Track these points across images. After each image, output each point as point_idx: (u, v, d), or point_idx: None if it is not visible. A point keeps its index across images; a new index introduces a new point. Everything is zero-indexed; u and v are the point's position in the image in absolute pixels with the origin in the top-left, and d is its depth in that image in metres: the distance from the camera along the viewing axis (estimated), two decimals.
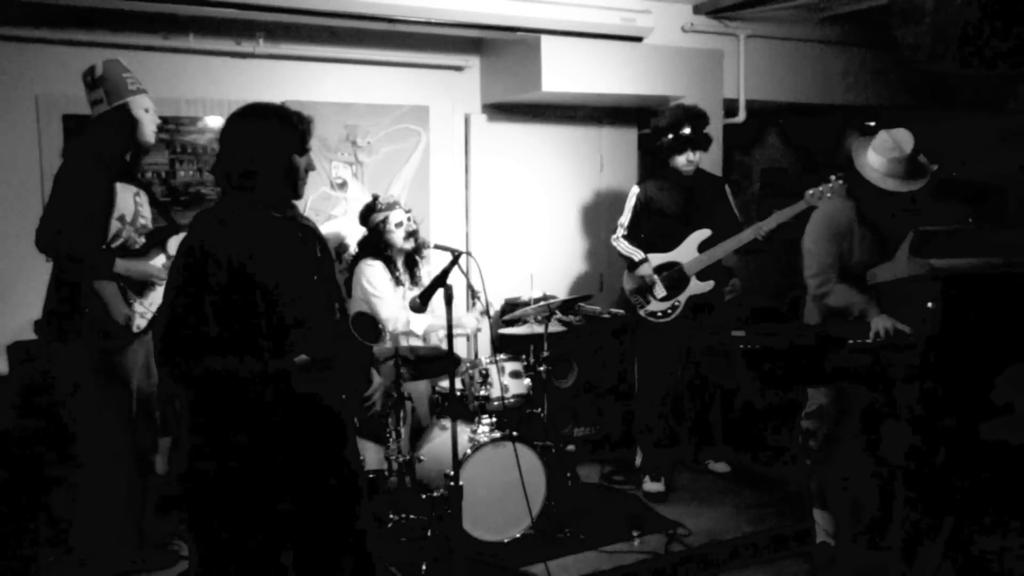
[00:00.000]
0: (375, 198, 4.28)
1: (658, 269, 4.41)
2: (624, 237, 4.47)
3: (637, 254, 4.42)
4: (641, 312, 4.45)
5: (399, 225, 4.15)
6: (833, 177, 3.80)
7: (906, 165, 3.31)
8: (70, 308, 3.32)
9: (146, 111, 3.40)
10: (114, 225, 3.33)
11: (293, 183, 2.38)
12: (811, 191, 3.89)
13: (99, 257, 3.28)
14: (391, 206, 4.18)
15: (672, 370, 4.47)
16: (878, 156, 3.36)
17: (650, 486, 4.44)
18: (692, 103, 4.57)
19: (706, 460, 4.83)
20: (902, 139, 3.34)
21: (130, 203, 3.39)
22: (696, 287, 4.36)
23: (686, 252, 4.37)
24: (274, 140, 2.33)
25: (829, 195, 3.77)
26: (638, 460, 4.67)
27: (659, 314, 4.40)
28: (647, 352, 4.53)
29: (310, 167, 2.42)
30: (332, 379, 2.36)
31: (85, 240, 3.25)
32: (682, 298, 4.37)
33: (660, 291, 4.38)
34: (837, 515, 3.60)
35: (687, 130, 4.30)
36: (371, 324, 2.45)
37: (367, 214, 4.24)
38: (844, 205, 3.53)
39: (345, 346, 2.50)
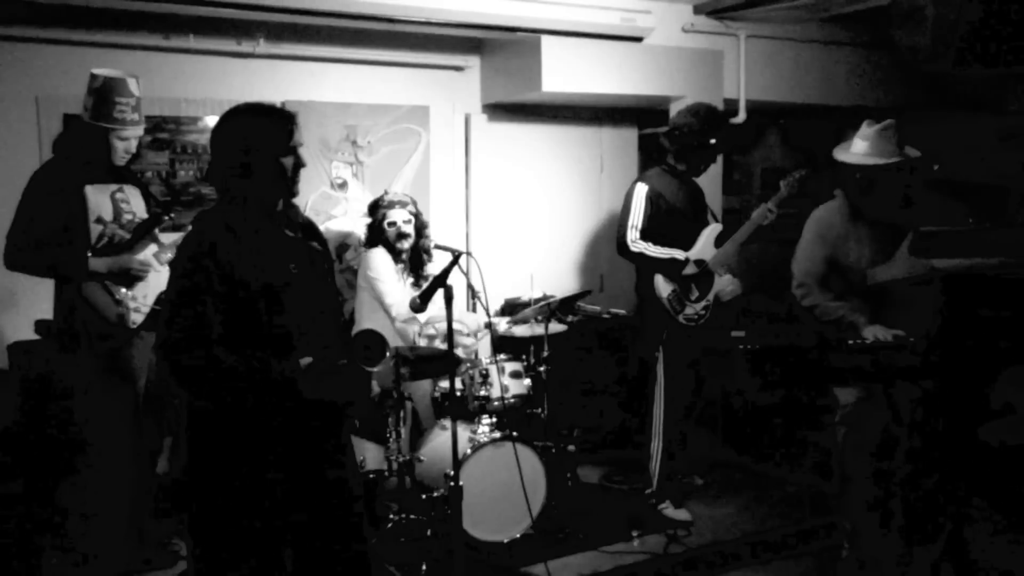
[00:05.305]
0: (385, 193, 4.33)
1: None
2: (641, 239, 4.08)
3: (678, 253, 4.08)
4: (680, 319, 4.11)
5: (392, 224, 4.20)
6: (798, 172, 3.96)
7: (894, 136, 3.41)
8: (69, 319, 3.33)
9: (122, 140, 3.36)
10: (94, 228, 3.34)
11: (280, 180, 2.34)
12: (784, 180, 3.98)
13: (69, 262, 3.28)
14: (391, 204, 4.23)
15: (699, 377, 4.25)
16: (863, 141, 3.43)
17: (675, 513, 4.18)
18: (715, 106, 4.31)
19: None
20: (883, 123, 3.43)
21: (107, 202, 3.39)
22: (719, 283, 4.18)
23: (705, 249, 4.14)
24: (250, 136, 2.30)
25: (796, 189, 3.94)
26: (654, 483, 4.25)
27: (696, 317, 4.14)
28: (677, 364, 4.16)
29: (299, 162, 2.37)
30: (336, 384, 2.35)
31: (53, 250, 3.26)
32: (711, 297, 4.18)
33: (694, 292, 4.14)
34: (858, 523, 3.52)
35: (715, 140, 4.09)
36: (378, 341, 2.42)
37: (372, 208, 4.32)
38: (836, 204, 3.53)
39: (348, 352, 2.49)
